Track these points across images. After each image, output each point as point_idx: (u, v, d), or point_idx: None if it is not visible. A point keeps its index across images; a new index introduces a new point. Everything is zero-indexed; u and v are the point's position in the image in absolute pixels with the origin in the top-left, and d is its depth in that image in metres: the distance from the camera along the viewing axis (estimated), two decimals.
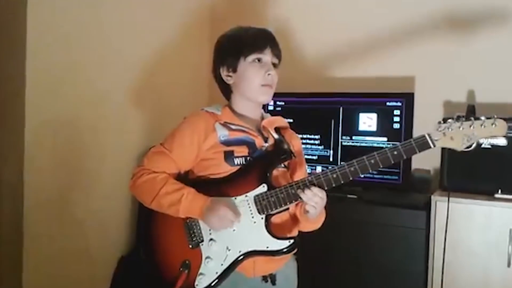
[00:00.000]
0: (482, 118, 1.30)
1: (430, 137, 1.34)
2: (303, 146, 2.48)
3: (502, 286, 1.98)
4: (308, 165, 2.51)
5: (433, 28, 2.52)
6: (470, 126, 1.31)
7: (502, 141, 2.05)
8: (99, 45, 2.22)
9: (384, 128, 2.40)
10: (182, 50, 2.82)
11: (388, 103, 2.39)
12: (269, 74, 1.46)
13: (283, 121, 1.61)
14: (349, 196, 2.30)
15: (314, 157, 2.54)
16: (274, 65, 1.50)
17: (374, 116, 2.42)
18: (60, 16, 2.02)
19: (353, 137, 2.47)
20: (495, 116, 1.31)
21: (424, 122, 2.35)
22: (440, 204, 2.07)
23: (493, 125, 1.30)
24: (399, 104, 2.37)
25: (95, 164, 2.24)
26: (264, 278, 1.44)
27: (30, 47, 1.90)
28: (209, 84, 3.03)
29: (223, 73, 1.51)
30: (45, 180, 1.99)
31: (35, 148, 1.94)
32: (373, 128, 2.42)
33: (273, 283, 1.44)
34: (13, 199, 1.94)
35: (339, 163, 2.46)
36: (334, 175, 1.38)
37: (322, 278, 2.26)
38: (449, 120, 1.33)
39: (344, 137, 2.48)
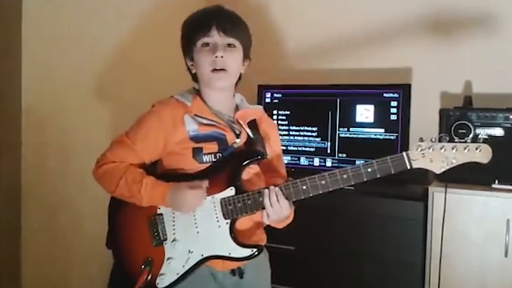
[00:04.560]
0: (468, 141, 1.26)
1: (408, 157, 1.29)
2: (300, 138, 2.51)
3: (500, 276, 1.99)
4: (305, 157, 2.52)
5: (430, 19, 2.51)
6: (453, 148, 1.26)
7: (499, 132, 2.05)
8: (93, 42, 2.21)
9: (381, 119, 2.39)
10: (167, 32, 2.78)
11: (385, 95, 2.38)
12: (216, 57, 1.35)
13: (258, 112, 1.52)
14: (345, 187, 2.29)
15: (312, 149, 2.53)
16: (230, 45, 1.38)
17: (371, 107, 2.41)
18: (53, 14, 2.01)
19: (351, 129, 2.46)
20: (481, 140, 1.27)
21: (422, 113, 2.36)
22: (438, 195, 2.07)
23: (478, 150, 1.26)
24: (396, 95, 2.36)
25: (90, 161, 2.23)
26: (232, 272, 1.42)
27: (25, 47, 1.89)
28: None
29: (188, 62, 1.46)
30: (42, 177, 1.99)
31: (32, 148, 1.93)
32: (371, 119, 2.42)
33: (241, 276, 1.42)
34: (11, 197, 1.93)
35: (336, 155, 2.47)
36: (304, 187, 1.36)
37: (319, 269, 2.26)
38: (431, 140, 1.28)
39: (341, 129, 2.48)
